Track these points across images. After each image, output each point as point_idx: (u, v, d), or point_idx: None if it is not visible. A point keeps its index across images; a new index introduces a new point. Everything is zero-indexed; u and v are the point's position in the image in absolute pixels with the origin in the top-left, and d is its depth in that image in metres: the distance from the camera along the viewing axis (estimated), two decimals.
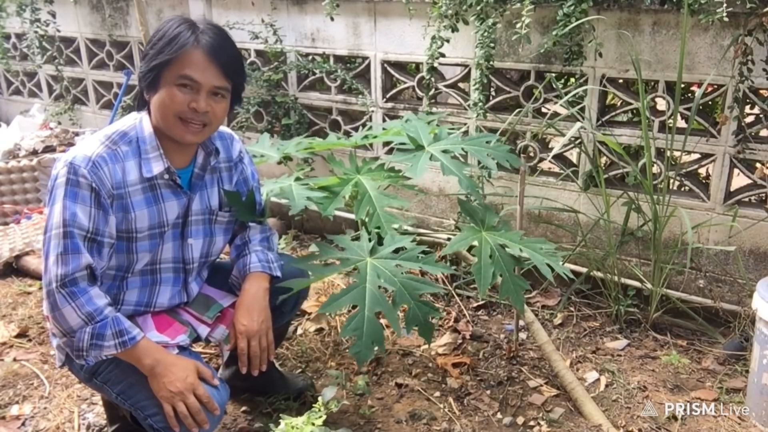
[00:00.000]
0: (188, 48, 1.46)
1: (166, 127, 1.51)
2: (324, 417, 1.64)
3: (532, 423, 1.97)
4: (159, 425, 1.48)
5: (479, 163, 2.74)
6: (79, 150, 1.47)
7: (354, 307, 1.72)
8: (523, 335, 2.43)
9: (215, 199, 1.68)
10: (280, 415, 1.73)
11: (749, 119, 2.34)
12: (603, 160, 2.67)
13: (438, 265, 1.75)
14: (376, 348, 1.58)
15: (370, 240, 1.75)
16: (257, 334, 1.61)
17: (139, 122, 1.54)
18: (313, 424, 1.60)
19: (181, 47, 1.45)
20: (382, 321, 2.52)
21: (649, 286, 2.45)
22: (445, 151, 1.92)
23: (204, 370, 1.54)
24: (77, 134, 4.03)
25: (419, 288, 1.66)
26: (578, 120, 2.46)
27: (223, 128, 1.75)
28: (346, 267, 1.68)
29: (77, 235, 1.43)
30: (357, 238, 1.78)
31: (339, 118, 3.17)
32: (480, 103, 2.63)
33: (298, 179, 1.85)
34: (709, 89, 2.34)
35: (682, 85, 2.32)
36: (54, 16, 3.88)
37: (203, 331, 1.67)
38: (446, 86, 2.84)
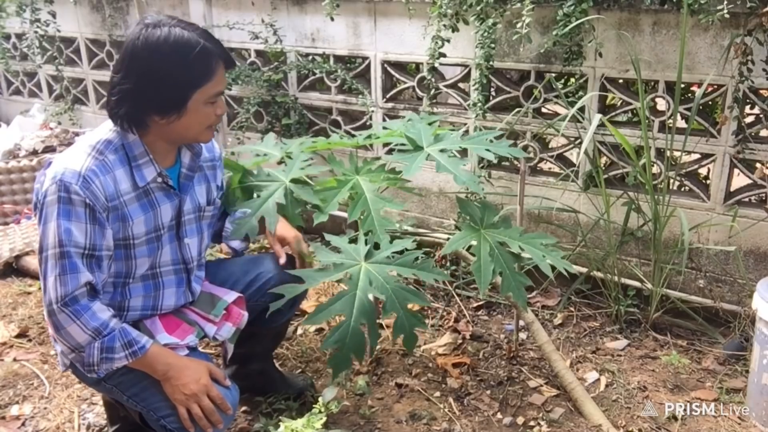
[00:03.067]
0: (220, 65, 1.46)
1: (192, 139, 1.54)
2: (324, 419, 1.64)
3: (532, 423, 1.98)
4: (172, 426, 1.49)
5: (480, 162, 2.75)
6: (65, 164, 1.42)
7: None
8: (523, 335, 2.43)
9: (203, 196, 1.69)
10: (280, 417, 1.74)
11: (749, 119, 2.34)
12: (603, 160, 2.67)
13: (433, 271, 1.74)
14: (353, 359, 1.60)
15: (366, 243, 1.74)
16: (296, 237, 1.84)
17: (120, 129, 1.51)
18: (313, 426, 1.59)
19: (216, 67, 1.45)
20: (382, 321, 2.53)
21: (649, 286, 2.45)
22: (442, 151, 1.92)
23: (216, 371, 1.55)
24: (77, 134, 4.03)
25: (409, 299, 1.66)
26: (579, 120, 2.46)
27: None
28: (339, 272, 1.67)
29: (74, 254, 1.40)
30: (355, 239, 1.78)
31: (339, 118, 3.17)
32: (480, 103, 2.63)
33: (294, 180, 1.85)
34: (709, 89, 2.34)
35: (682, 85, 2.32)
36: (54, 16, 3.87)
37: (210, 329, 1.67)
38: (446, 86, 2.84)
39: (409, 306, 1.66)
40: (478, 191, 1.97)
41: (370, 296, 1.64)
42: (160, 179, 1.54)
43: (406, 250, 1.74)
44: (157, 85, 1.41)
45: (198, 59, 1.42)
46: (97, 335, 1.42)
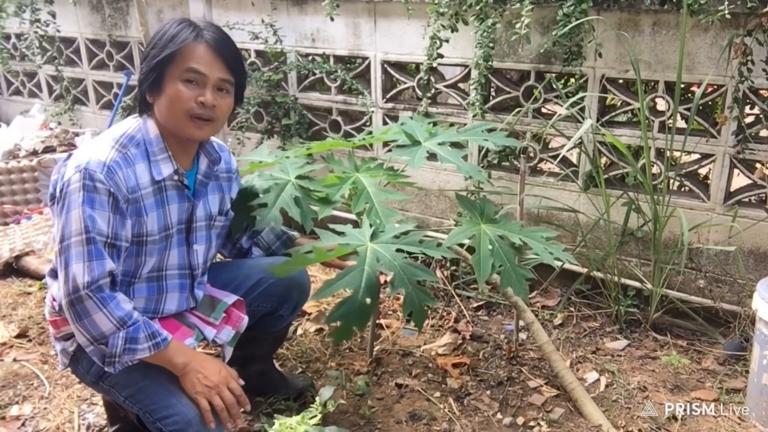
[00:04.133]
0: (191, 42, 1.47)
1: (175, 127, 1.51)
2: (319, 417, 1.64)
3: (532, 423, 1.97)
4: (168, 428, 1.48)
5: (480, 162, 2.75)
6: (90, 155, 1.44)
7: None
8: (523, 335, 2.43)
9: (216, 205, 1.70)
10: (275, 415, 1.74)
11: (749, 119, 2.34)
12: (603, 160, 2.67)
13: (439, 249, 1.74)
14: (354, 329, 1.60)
15: (371, 226, 1.75)
16: None
17: (144, 124, 1.54)
18: (308, 423, 1.60)
19: (184, 41, 1.46)
20: (382, 321, 2.53)
21: (649, 286, 2.45)
22: (441, 143, 1.93)
23: (229, 368, 1.57)
24: (77, 134, 4.03)
25: (417, 274, 1.66)
26: (578, 120, 2.46)
27: (221, 142, 1.78)
28: (346, 250, 1.68)
29: (99, 241, 1.41)
30: (358, 226, 1.79)
31: (339, 119, 3.17)
32: (479, 103, 2.63)
33: (299, 177, 1.85)
34: (709, 89, 2.34)
35: (682, 86, 2.32)
36: (54, 16, 3.88)
37: (210, 333, 1.68)
38: (446, 86, 2.84)
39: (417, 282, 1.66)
40: (482, 179, 1.96)
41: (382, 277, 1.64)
42: (176, 177, 1.55)
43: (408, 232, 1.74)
44: (146, 64, 1.49)
45: (174, 35, 1.47)
46: (122, 325, 1.43)
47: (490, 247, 1.74)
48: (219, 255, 1.97)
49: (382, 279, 1.99)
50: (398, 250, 1.68)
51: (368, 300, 1.58)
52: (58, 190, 1.45)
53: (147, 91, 1.51)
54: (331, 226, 1.73)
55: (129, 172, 1.47)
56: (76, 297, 1.40)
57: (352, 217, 1.86)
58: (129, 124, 1.54)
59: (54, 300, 1.55)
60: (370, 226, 1.74)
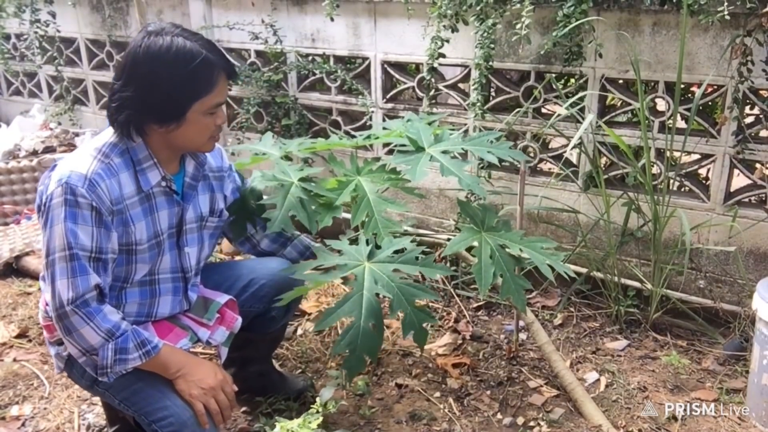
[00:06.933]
0: (221, 76, 1.46)
1: (195, 149, 1.55)
2: (320, 419, 1.64)
3: (532, 423, 1.98)
4: (164, 430, 1.48)
5: (480, 162, 2.75)
6: (71, 167, 1.42)
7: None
8: (523, 336, 2.43)
9: (206, 205, 1.68)
10: (276, 417, 1.74)
11: (749, 120, 2.34)
12: (603, 160, 2.67)
13: (436, 266, 1.74)
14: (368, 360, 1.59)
15: (368, 243, 1.74)
16: None
17: None
18: (309, 427, 1.59)
19: (217, 79, 1.45)
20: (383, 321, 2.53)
21: (649, 286, 2.45)
22: (444, 152, 1.92)
23: (224, 371, 1.58)
24: (77, 134, 4.03)
25: (416, 294, 1.66)
26: (578, 120, 2.46)
27: None
28: (343, 273, 1.67)
29: (82, 257, 1.40)
30: (355, 240, 1.78)
31: (339, 119, 3.17)
32: (479, 104, 2.63)
33: (302, 179, 1.84)
34: (709, 90, 2.34)
35: (682, 86, 2.32)
36: (54, 16, 3.87)
37: (204, 334, 1.67)
38: (446, 87, 2.84)
39: (417, 302, 1.66)
40: (482, 194, 1.96)
41: (381, 296, 1.64)
42: (164, 183, 1.54)
43: (406, 249, 1.74)
44: (157, 94, 1.41)
45: (199, 70, 1.41)
46: (110, 337, 1.42)
47: (491, 256, 1.74)
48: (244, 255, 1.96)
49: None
50: (396, 270, 1.67)
51: (372, 324, 1.58)
52: (42, 203, 1.43)
53: (154, 121, 1.44)
54: (339, 219, 1.72)
55: (113, 183, 1.44)
56: (62, 312, 1.40)
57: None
58: (110, 132, 1.51)
59: (47, 305, 1.55)
60: (367, 243, 1.73)
